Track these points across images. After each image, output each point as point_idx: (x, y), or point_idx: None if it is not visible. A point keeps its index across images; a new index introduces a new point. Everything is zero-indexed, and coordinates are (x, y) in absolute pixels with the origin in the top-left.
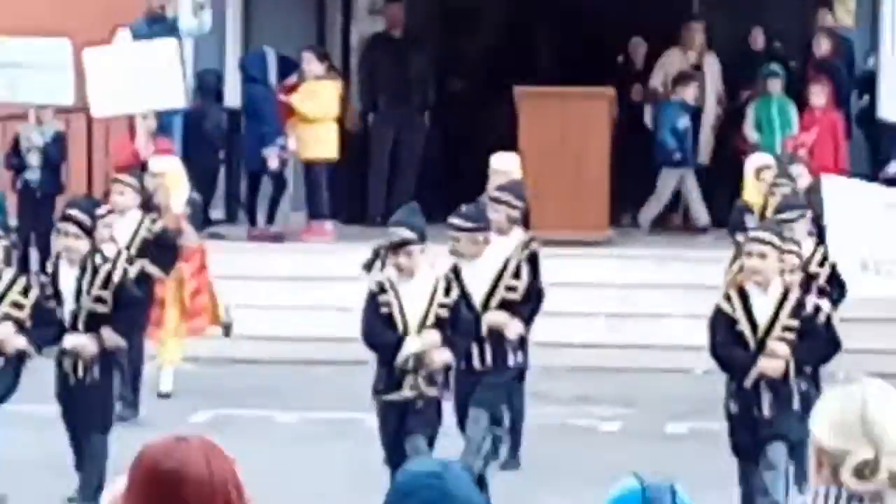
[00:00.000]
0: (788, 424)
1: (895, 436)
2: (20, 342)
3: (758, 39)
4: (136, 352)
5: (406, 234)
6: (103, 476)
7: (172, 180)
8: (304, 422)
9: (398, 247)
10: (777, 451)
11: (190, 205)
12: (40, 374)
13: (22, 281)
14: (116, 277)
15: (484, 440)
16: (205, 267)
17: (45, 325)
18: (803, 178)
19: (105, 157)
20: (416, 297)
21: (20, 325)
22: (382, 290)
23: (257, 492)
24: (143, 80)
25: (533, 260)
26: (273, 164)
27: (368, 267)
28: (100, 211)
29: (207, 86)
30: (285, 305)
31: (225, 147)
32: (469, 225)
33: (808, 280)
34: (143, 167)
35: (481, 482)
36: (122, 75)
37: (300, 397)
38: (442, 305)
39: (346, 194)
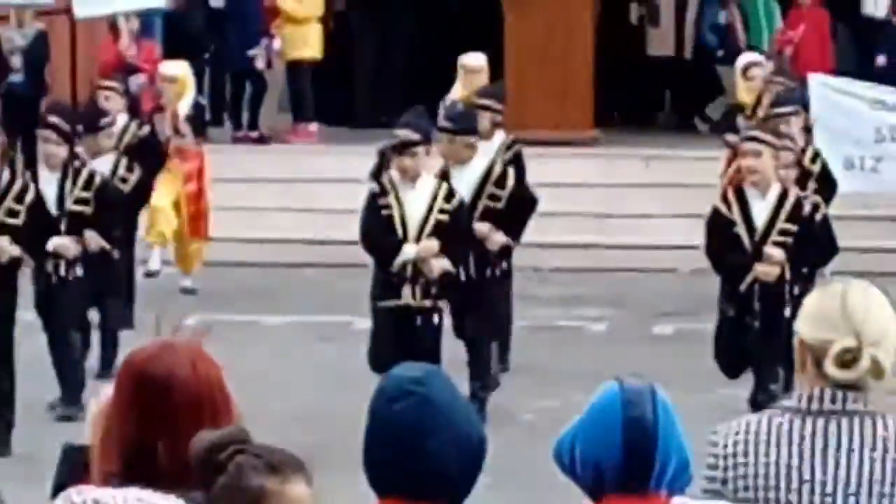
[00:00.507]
0: (779, 335)
1: (875, 327)
2: (14, 251)
3: None
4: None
5: (411, 135)
6: (83, 375)
7: (181, 86)
8: (291, 325)
9: (403, 148)
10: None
11: (194, 109)
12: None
13: (17, 185)
14: (98, 179)
15: (489, 370)
16: (202, 171)
17: (40, 231)
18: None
19: (89, 58)
20: (417, 201)
21: (15, 234)
22: (384, 191)
23: (244, 395)
24: None
25: (517, 161)
26: (260, 64)
27: (376, 174)
28: (105, 120)
29: None
30: (271, 208)
31: (209, 48)
32: (449, 126)
33: (803, 176)
34: (128, 69)
35: (483, 405)
36: None
37: (287, 300)
38: (443, 211)
39: (331, 95)
